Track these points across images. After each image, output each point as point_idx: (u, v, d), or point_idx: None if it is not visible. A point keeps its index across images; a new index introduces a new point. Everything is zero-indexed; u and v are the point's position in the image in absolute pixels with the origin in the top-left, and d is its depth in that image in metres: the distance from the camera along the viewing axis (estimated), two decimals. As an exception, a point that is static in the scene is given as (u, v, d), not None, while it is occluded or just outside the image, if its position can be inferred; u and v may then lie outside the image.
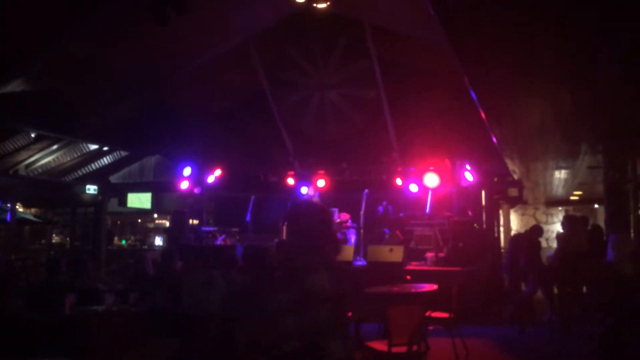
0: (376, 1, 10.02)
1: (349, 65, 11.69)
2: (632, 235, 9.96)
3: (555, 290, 8.33)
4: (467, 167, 10.61)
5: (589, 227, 8.88)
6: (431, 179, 10.79)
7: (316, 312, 2.58)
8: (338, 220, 11.20)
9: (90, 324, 5.08)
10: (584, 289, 7.78)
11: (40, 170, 13.72)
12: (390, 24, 10.45)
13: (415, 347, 4.89)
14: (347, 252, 9.60)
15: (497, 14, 3.84)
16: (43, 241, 19.78)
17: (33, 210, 18.68)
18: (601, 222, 10.47)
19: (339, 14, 10.55)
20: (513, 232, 14.34)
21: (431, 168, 10.84)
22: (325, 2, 9.52)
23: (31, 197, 15.76)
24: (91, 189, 14.57)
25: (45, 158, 13.51)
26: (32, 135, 12.25)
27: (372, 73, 11.14)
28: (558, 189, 12.71)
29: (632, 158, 8.70)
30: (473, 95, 5.54)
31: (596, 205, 15.55)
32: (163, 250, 11.42)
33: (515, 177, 10.78)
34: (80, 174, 14.82)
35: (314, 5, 9.64)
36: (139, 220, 20.86)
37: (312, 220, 2.73)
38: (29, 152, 13.03)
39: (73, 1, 7.78)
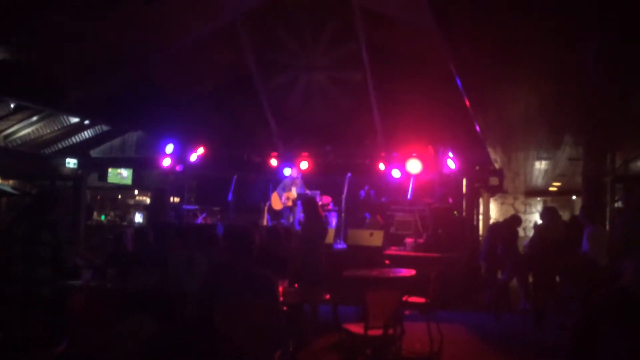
0: (366, -16, 9.94)
1: (337, 48, 11.62)
2: (607, 227, 10.14)
3: (531, 279, 8.47)
4: (450, 154, 10.68)
5: (569, 219, 9.03)
6: (414, 165, 10.86)
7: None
8: (320, 203, 11.22)
9: (67, 299, 5.04)
10: (557, 278, 7.93)
11: (19, 141, 13.49)
12: (380, 7, 10.38)
13: (391, 331, 4.95)
14: (328, 235, 9.64)
15: (485, 3, 3.84)
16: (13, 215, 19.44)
17: (11, 182, 18.40)
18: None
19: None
20: (492, 221, 14.51)
21: (414, 154, 10.91)
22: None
23: (9, 169, 15.48)
24: (71, 162, 14.37)
25: (25, 129, 13.27)
26: (12, 105, 12.02)
27: (360, 56, 11.09)
28: (538, 180, 12.87)
29: (611, 150, 8.83)
30: (458, 82, 5.56)
31: (574, 197, 15.78)
32: (136, 228, 11.35)
33: (497, 166, 10.88)
34: (60, 147, 14.59)
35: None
36: (119, 196, 20.66)
37: None
38: (7, 122, 12.79)
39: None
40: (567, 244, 7.51)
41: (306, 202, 7.48)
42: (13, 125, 12.88)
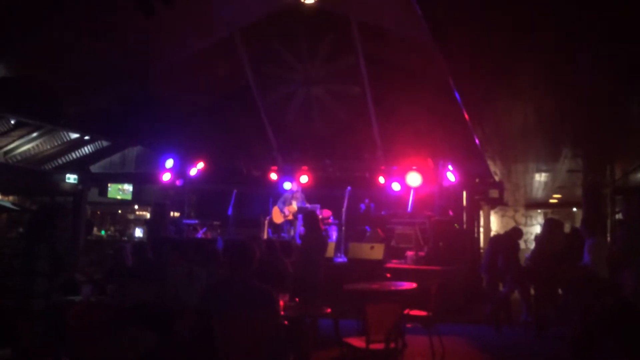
0: (364, -2, 10.03)
1: (335, 62, 11.68)
2: (608, 239, 10.12)
3: (532, 291, 8.43)
4: (450, 167, 10.69)
5: (569, 231, 9.01)
6: (413, 178, 10.86)
7: None
8: (320, 216, 11.19)
9: (67, 314, 5.03)
10: (559, 290, 7.89)
11: (19, 157, 13.53)
12: (378, 21, 10.47)
13: (392, 344, 4.92)
14: (329, 248, 9.62)
15: (482, 16, 3.87)
16: (21, 229, 19.48)
17: (11, 198, 18.41)
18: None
19: (326, 10, 10.53)
20: (493, 233, 14.48)
21: (414, 167, 10.92)
22: (313, -3, 9.51)
23: (9, 185, 15.52)
24: (71, 178, 14.41)
25: (25, 145, 13.32)
26: (12, 121, 12.06)
27: (358, 70, 11.15)
28: (538, 192, 12.85)
29: (610, 162, 8.84)
30: (457, 95, 5.58)
31: (574, 209, 15.76)
32: (135, 243, 11.34)
33: (497, 178, 10.88)
34: (60, 162, 14.63)
35: (302, 0, 9.63)
36: (119, 211, 20.66)
37: None
38: (8, 138, 12.84)
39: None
40: (567, 256, 7.49)
41: (306, 215, 7.48)
42: (13, 141, 12.93)
